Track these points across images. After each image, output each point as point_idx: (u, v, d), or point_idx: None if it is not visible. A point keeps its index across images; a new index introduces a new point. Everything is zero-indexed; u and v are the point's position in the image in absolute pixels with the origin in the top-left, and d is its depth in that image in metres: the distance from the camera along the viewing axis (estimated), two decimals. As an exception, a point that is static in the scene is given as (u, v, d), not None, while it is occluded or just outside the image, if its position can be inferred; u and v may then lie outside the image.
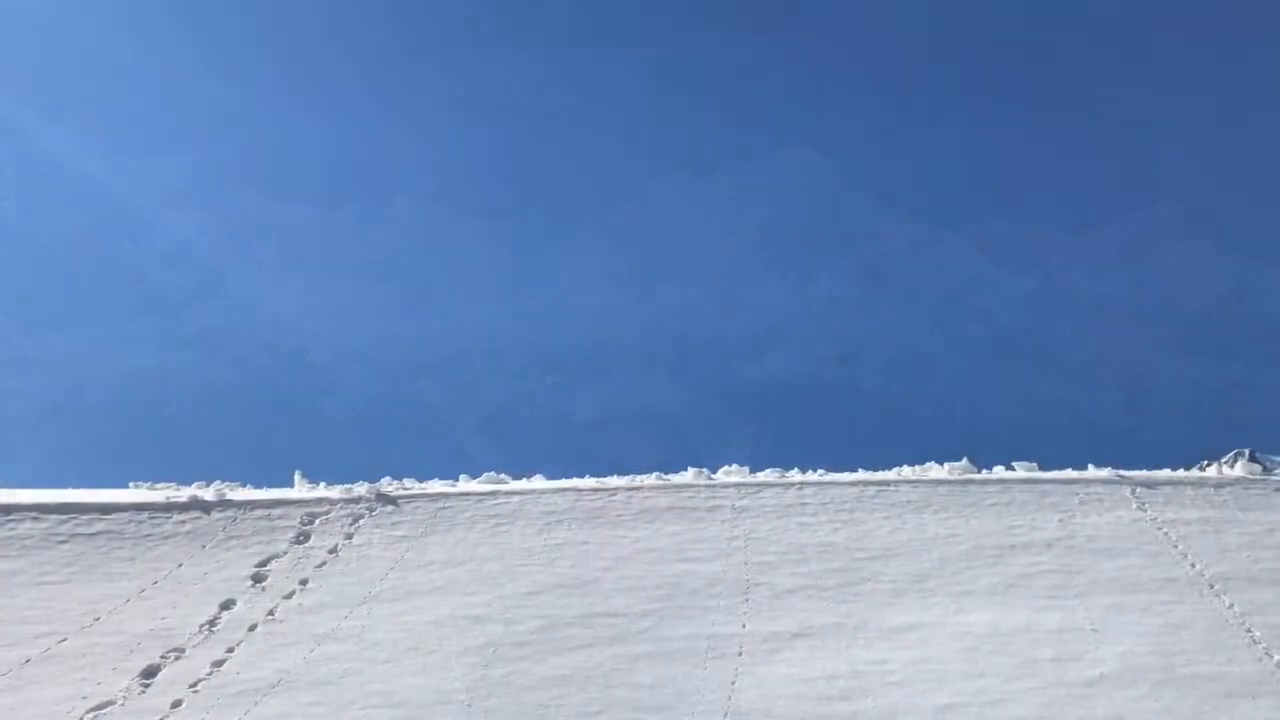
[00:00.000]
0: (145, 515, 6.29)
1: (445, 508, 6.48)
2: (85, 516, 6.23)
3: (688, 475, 7.11)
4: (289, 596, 5.31)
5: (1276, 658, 4.50)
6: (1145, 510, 6.20)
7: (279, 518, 6.27)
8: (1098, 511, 6.21)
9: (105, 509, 6.34)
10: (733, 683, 4.39)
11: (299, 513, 6.33)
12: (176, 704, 4.29)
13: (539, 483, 7.04)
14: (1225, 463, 7.20)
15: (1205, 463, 7.12)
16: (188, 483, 7.09)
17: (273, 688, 4.39)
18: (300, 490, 6.90)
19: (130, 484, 7.18)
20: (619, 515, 6.33)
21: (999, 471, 7.04)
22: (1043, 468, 7.05)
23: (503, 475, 7.22)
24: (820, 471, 7.16)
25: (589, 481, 7.04)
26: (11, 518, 6.16)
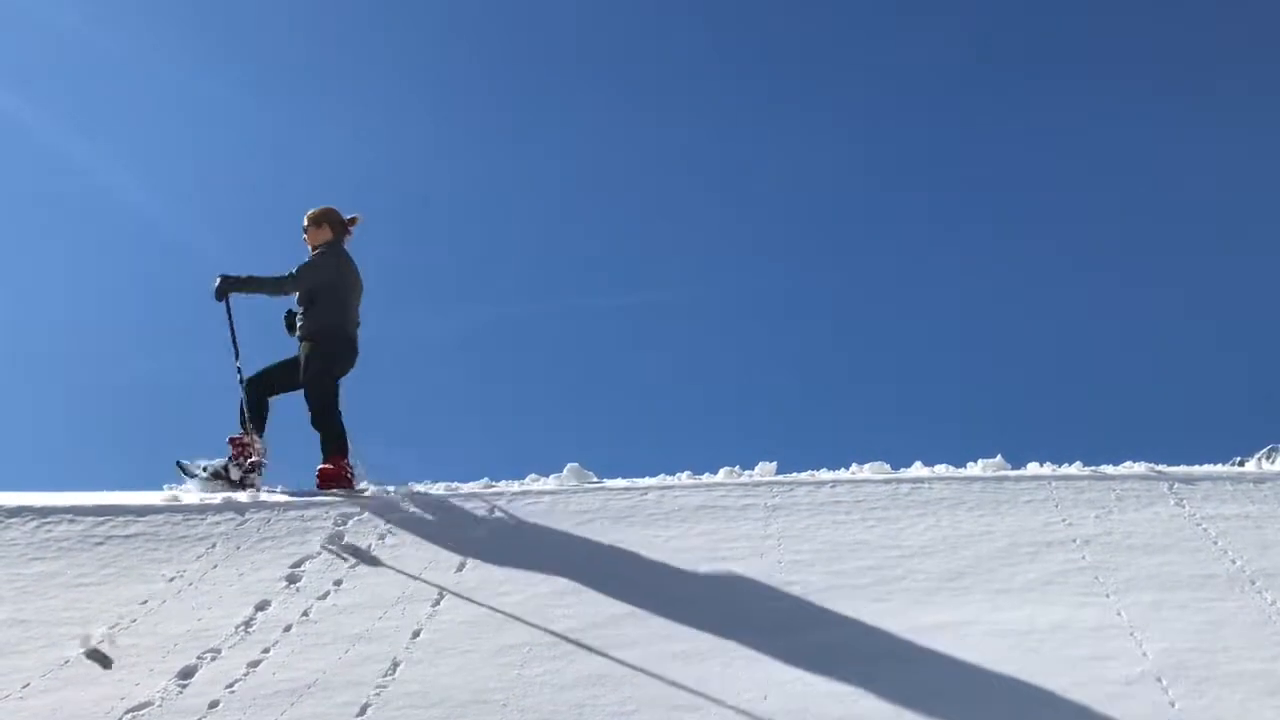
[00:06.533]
0: (180, 517, 6.32)
1: (477, 508, 6.49)
2: (121, 518, 6.27)
3: (719, 474, 7.09)
4: (323, 597, 5.33)
5: (1321, 654, 4.42)
6: (1184, 506, 6.13)
7: (312, 519, 6.29)
8: (1135, 508, 6.14)
9: (140, 510, 6.38)
10: (769, 681, 4.36)
11: (333, 514, 6.34)
12: (213, 704, 4.31)
13: (569, 482, 7.03)
14: (1262, 458, 7.13)
15: (1240, 459, 7.04)
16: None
17: (308, 688, 4.41)
18: (334, 492, 6.92)
19: (164, 486, 7.23)
20: (650, 514, 6.31)
21: (1033, 468, 6.97)
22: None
23: (536, 476, 7.22)
24: (852, 469, 7.12)
25: (619, 481, 7.03)
26: (48, 520, 6.21)
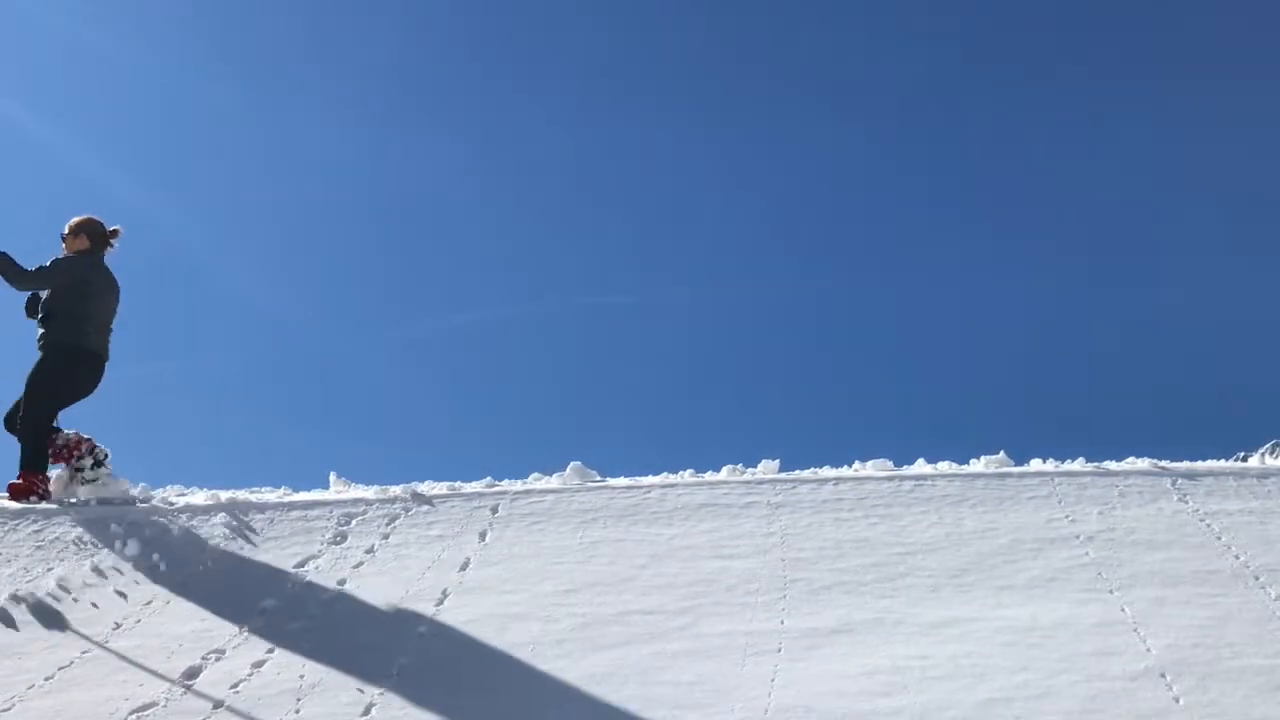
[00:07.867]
0: (182, 517, 6.32)
1: (480, 507, 6.49)
2: (124, 519, 6.27)
3: (722, 472, 7.09)
4: (326, 597, 5.33)
5: (1325, 650, 4.43)
6: (1187, 502, 6.13)
7: (316, 519, 6.29)
8: (1138, 504, 6.14)
9: (143, 511, 6.38)
10: (772, 679, 4.37)
11: (336, 513, 6.35)
12: (218, 705, 4.32)
13: (572, 481, 7.03)
14: (1265, 453, 7.12)
15: (1243, 454, 7.04)
16: (224, 486, 7.12)
17: (313, 688, 4.41)
18: (336, 491, 6.93)
19: (165, 487, 7.22)
20: (654, 512, 6.31)
21: (1036, 464, 6.98)
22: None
23: (538, 475, 7.22)
24: (855, 466, 7.12)
25: (622, 480, 7.03)
26: (53, 521, 6.21)
